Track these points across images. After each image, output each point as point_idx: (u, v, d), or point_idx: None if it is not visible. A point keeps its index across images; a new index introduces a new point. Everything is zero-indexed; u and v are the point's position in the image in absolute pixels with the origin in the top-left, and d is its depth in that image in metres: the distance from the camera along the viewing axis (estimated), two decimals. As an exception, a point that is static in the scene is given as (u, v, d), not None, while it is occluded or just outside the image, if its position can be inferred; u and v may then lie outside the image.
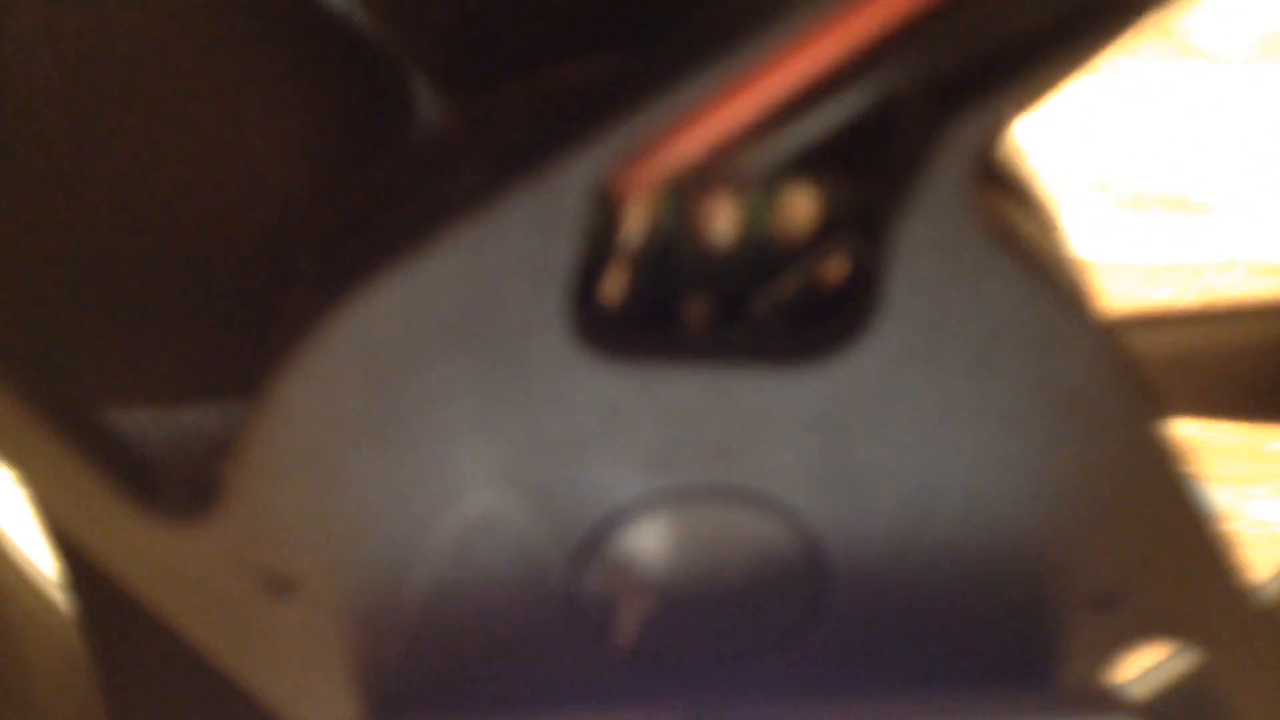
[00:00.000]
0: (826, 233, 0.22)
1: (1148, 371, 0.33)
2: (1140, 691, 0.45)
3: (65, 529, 0.22)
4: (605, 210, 0.21)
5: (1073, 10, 0.19)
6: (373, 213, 0.22)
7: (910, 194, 0.20)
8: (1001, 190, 0.23)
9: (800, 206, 0.22)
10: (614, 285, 0.22)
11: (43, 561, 0.34)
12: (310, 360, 0.20)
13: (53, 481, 0.22)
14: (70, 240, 0.25)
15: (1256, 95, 1.29)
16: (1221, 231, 1.10)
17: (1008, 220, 0.22)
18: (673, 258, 0.22)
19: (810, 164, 0.21)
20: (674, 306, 0.22)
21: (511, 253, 0.20)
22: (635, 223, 0.21)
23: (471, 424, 0.21)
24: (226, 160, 0.25)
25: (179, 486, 0.22)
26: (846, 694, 0.24)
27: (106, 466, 0.21)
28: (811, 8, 0.18)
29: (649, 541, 0.23)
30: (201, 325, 0.26)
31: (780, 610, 0.24)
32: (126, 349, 0.25)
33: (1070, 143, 1.19)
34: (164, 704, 0.32)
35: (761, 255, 0.22)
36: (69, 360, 0.24)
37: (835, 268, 0.22)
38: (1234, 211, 1.13)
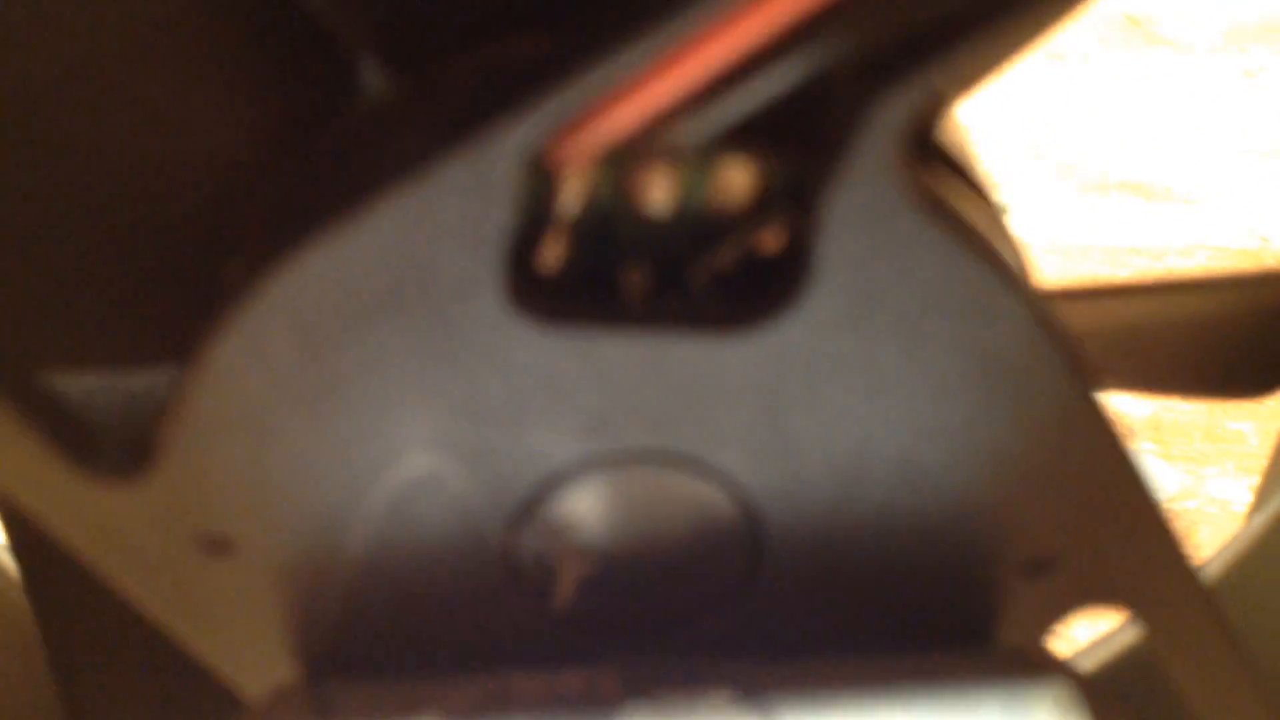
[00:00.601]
0: (762, 204, 0.22)
1: (1093, 344, 0.33)
2: (1089, 663, 0.46)
3: (5, 491, 0.22)
4: (541, 179, 0.21)
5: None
6: (310, 181, 0.23)
7: (840, 166, 0.20)
8: (938, 167, 0.24)
9: (736, 178, 0.22)
10: (551, 253, 0.22)
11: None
12: (243, 323, 0.21)
13: (-9, 443, 0.22)
14: (11, 204, 0.25)
15: (1220, 84, 1.31)
16: (1184, 217, 1.11)
17: (939, 194, 0.22)
18: (610, 227, 0.22)
19: (746, 136, 0.21)
20: (611, 275, 0.22)
21: (447, 218, 0.20)
22: (572, 192, 0.21)
23: (407, 388, 0.21)
24: (170, 129, 0.25)
25: (117, 448, 0.22)
26: (784, 655, 0.25)
27: (44, 427, 0.22)
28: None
29: (586, 505, 0.23)
30: (146, 291, 0.26)
31: (717, 573, 0.24)
32: (69, 313, 0.25)
33: (1037, 129, 1.20)
34: (111, 663, 0.32)
35: (698, 226, 0.22)
36: (7, 323, 0.24)
37: (771, 238, 0.22)
38: (1197, 197, 1.14)
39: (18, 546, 0.32)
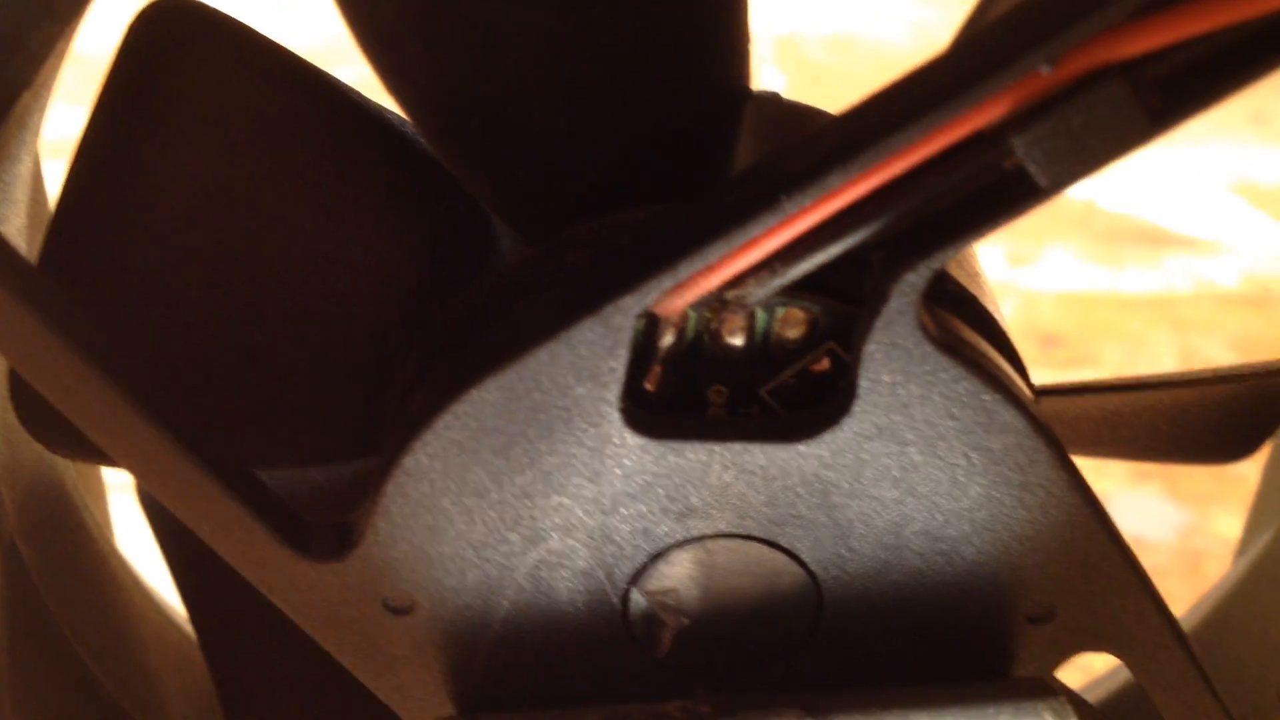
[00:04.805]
0: (814, 340, 0.28)
1: (1082, 426, 0.39)
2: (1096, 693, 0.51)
3: (233, 566, 0.29)
4: (649, 325, 0.28)
5: (982, 194, 0.25)
6: (472, 324, 0.29)
7: (874, 314, 0.27)
8: (951, 302, 0.30)
9: (794, 320, 0.28)
10: (653, 380, 0.28)
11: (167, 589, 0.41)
12: (432, 438, 0.27)
13: (224, 533, 0.28)
14: (226, 338, 0.31)
15: (1227, 137, 1.36)
16: (1193, 265, 1.17)
17: (952, 328, 0.29)
18: (698, 358, 0.29)
19: (802, 288, 0.28)
20: (700, 395, 0.29)
21: (583, 362, 0.27)
22: (670, 333, 0.28)
23: (549, 488, 0.28)
24: (345, 277, 0.32)
25: (324, 533, 0.29)
26: (838, 690, 0.31)
27: (267, 519, 0.28)
28: (797, 198, 0.25)
29: (683, 573, 0.30)
30: (324, 405, 0.33)
31: (785, 626, 0.30)
32: (273, 423, 0.32)
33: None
34: (275, 714, 0.38)
35: (766, 356, 0.29)
36: (231, 433, 0.30)
37: (821, 366, 0.29)
38: (1205, 246, 1.20)
39: (193, 608, 0.38)
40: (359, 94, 0.32)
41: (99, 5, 0.31)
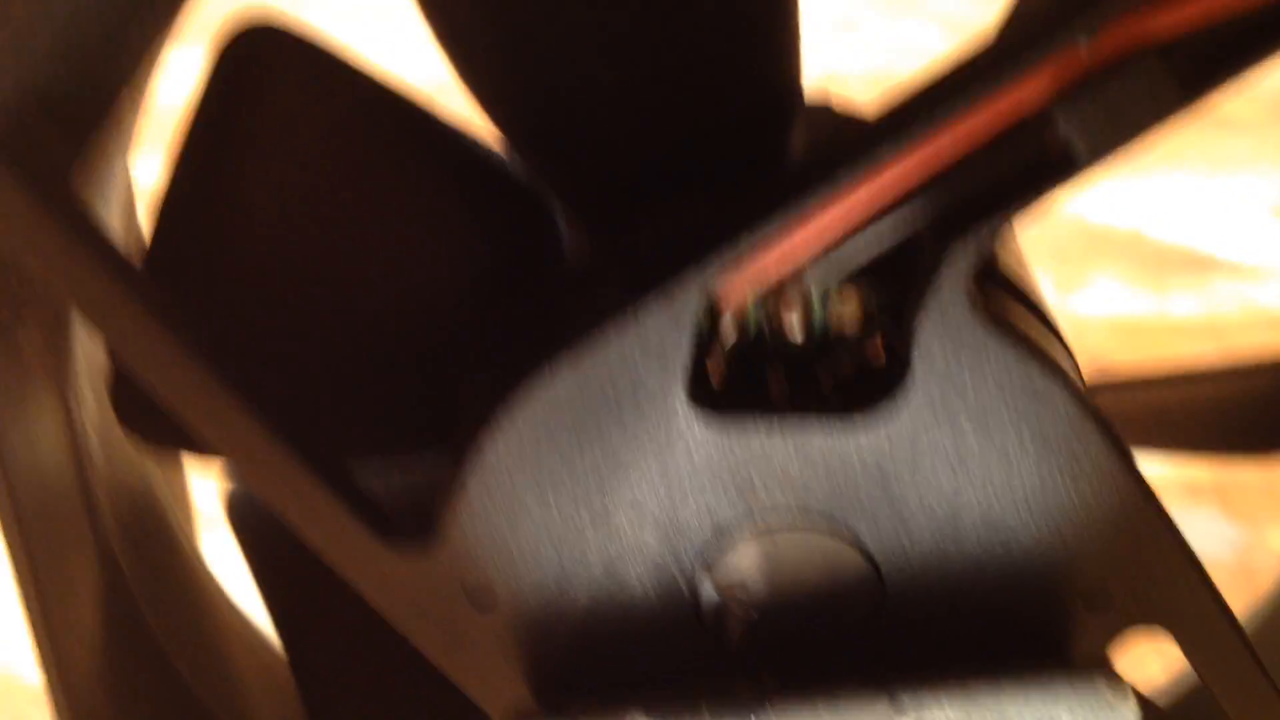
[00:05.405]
0: (870, 325, 0.30)
1: (1129, 420, 0.40)
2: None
3: (322, 560, 0.30)
4: (712, 311, 0.29)
5: (1022, 171, 0.27)
6: (541, 315, 0.31)
7: (926, 297, 0.28)
8: (999, 290, 0.31)
9: (850, 306, 0.30)
10: (718, 365, 0.30)
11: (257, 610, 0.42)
12: (509, 425, 0.29)
13: (315, 524, 0.30)
14: (313, 338, 0.33)
15: (1270, 163, 1.37)
16: (1240, 289, 1.17)
17: (1002, 311, 0.30)
18: (759, 344, 0.30)
19: (857, 274, 0.29)
20: (761, 379, 0.30)
21: (650, 345, 0.28)
22: (732, 320, 0.29)
23: (618, 476, 0.29)
24: (422, 275, 0.33)
25: (408, 525, 0.30)
26: (902, 675, 0.31)
27: (356, 512, 0.30)
28: (851, 171, 0.26)
29: (750, 563, 0.31)
30: (400, 400, 0.34)
31: (849, 615, 0.31)
32: (355, 418, 0.34)
33: (1098, 206, 1.27)
34: None
35: (823, 341, 0.30)
36: (320, 429, 0.32)
37: (876, 350, 0.30)
38: (1250, 271, 1.20)
39: (281, 627, 0.40)
40: (435, 112, 0.33)
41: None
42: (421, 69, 0.36)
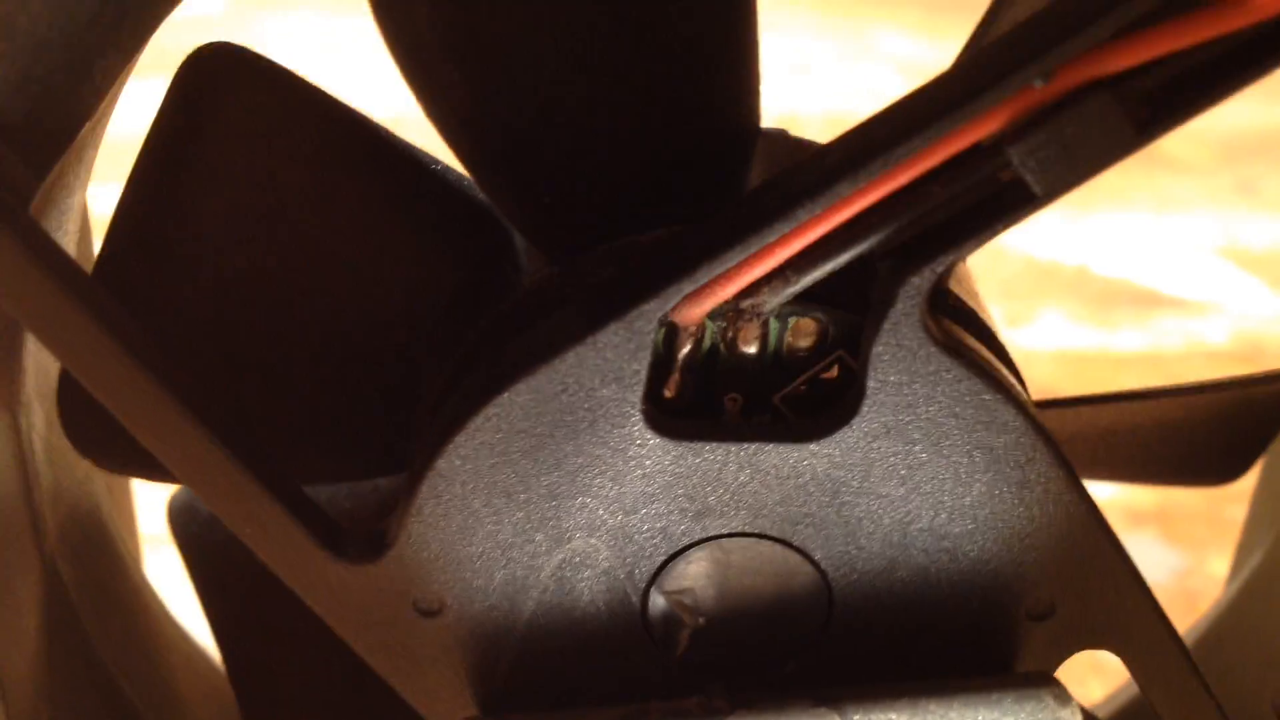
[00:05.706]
0: (824, 349, 0.30)
1: (1077, 443, 0.41)
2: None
3: (274, 571, 0.30)
4: (669, 336, 0.29)
5: (981, 204, 0.27)
6: (500, 337, 0.31)
7: (879, 319, 0.28)
8: (953, 316, 0.32)
9: (805, 328, 0.30)
10: (673, 387, 0.30)
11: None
12: (465, 440, 0.29)
13: (263, 534, 0.30)
14: (266, 359, 0.33)
15: (1216, 205, 1.40)
16: (1184, 325, 1.19)
17: (954, 333, 0.30)
18: (714, 365, 0.30)
19: (812, 297, 0.29)
20: (716, 400, 0.30)
21: (607, 366, 0.28)
22: (689, 343, 0.30)
23: (573, 488, 0.30)
24: (379, 301, 0.33)
25: (358, 536, 0.30)
26: (850, 686, 0.32)
27: (307, 527, 0.30)
28: (809, 207, 0.27)
29: (699, 575, 0.31)
30: (357, 420, 0.34)
31: (797, 625, 0.32)
32: (310, 437, 0.34)
33: (1046, 242, 1.29)
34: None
35: (778, 365, 0.30)
36: (274, 447, 0.32)
37: (831, 372, 0.30)
38: (1195, 307, 1.22)
39: (221, 638, 0.39)
40: (393, 134, 0.34)
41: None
42: (380, 102, 0.37)
